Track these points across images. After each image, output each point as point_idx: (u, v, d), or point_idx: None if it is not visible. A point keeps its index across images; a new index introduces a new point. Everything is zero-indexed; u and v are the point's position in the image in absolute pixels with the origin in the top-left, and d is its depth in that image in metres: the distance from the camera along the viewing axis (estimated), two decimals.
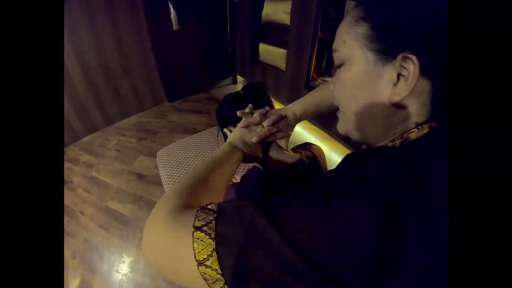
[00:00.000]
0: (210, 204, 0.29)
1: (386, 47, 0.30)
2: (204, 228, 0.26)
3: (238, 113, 0.56)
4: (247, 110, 0.56)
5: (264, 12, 2.54)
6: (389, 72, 0.30)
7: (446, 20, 0.26)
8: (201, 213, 0.28)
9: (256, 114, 0.55)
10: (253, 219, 0.25)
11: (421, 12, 0.28)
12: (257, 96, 0.64)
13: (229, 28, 3.18)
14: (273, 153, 0.60)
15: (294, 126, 0.62)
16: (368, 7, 0.32)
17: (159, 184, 1.89)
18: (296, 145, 0.75)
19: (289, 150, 0.66)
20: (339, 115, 0.41)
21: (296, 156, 0.65)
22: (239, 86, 3.44)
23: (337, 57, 0.36)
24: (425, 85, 0.30)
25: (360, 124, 0.37)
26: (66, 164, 2.24)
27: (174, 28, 2.77)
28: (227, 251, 0.24)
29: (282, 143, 0.64)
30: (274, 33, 2.62)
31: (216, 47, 3.25)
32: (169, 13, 2.66)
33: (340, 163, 0.37)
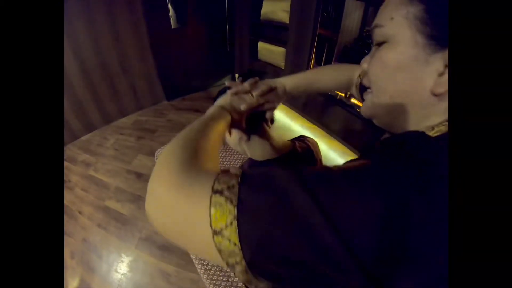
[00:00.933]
0: (233, 167, 0.26)
1: (439, 34, 0.28)
2: (226, 193, 0.22)
3: (227, 83, 0.55)
4: (236, 80, 0.55)
5: (263, 11, 2.53)
6: (437, 61, 0.29)
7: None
8: (223, 176, 0.24)
9: (246, 83, 0.54)
10: (288, 189, 0.21)
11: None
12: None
13: (228, 27, 3.16)
14: (256, 143, 0.59)
15: (282, 99, 0.60)
16: None
17: None
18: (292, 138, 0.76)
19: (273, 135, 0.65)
20: (367, 96, 0.39)
21: (287, 144, 0.65)
22: None
23: (379, 33, 0.34)
24: None
25: (393, 109, 0.34)
26: (64, 163, 2.23)
27: (173, 27, 2.76)
28: (251, 222, 0.21)
29: (267, 115, 0.62)
30: (273, 32, 2.61)
31: (214, 46, 3.24)
32: (168, 11, 2.64)
33: (380, 146, 0.34)
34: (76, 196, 1.89)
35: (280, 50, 2.47)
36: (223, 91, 0.66)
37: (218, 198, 0.22)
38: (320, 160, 0.75)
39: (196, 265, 0.98)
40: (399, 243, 0.20)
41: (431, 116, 0.31)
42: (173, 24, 2.74)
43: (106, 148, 2.39)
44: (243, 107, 0.49)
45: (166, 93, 3.12)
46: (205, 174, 0.25)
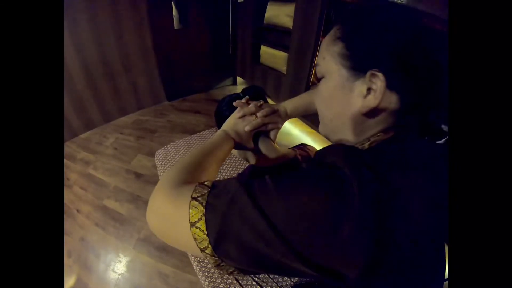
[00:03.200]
0: (207, 181, 0.35)
1: (358, 64, 0.35)
2: (199, 198, 0.31)
3: (234, 103, 0.60)
4: (243, 101, 0.61)
5: (266, 15, 2.55)
6: (360, 86, 0.35)
7: (413, 42, 0.32)
8: (199, 187, 0.33)
9: (252, 105, 0.60)
10: (236, 192, 0.30)
11: (390, 35, 0.33)
12: (255, 99, 0.67)
13: (231, 29, 3.18)
14: (263, 145, 0.63)
15: (284, 121, 0.67)
16: (344, 28, 0.37)
17: (156, 183, 1.88)
18: (293, 146, 0.78)
19: (277, 146, 0.70)
20: (320, 120, 0.47)
21: (290, 152, 0.70)
22: (239, 88, 3.45)
23: (318, 71, 0.41)
24: (393, 98, 0.34)
25: (335, 129, 0.43)
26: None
27: (176, 27, 2.77)
28: (212, 216, 0.29)
29: (272, 135, 0.67)
30: (276, 36, 2.63)
31: (217, 48, 3.25)
32: (172, 12, 2.66)
33: (314, 157, 0.41)
34: (75, 195, 1.88)
35: (283, 54, 2.49)
36: (227, 100, 0.68)
37: (194, 202, 0.31)
38: None
39: (195, 267, 0.98)
40: (325, 234, 0.26)
41: (365, 131, 0.38)
42: (176, 25, 2.76)
43: (105, 146, 2.38)
44: (247, 128, 0.56)
45: (167, 93, 3.13)
46: (189, 186, 0.34)
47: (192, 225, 0.30)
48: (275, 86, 2.69)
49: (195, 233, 0.30)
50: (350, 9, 0.39)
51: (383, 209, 0.26)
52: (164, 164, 1.50)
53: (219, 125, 0.70)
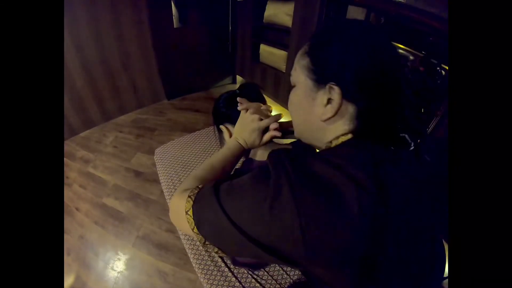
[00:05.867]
0: (201, 185, 0.45)
1: (320, 77, 0.40)
2: (191, 195, 0.43)
3: (238, 99, 0.64)
4: (243, 99, 0.66)
5: (266, 13, 2.55)
6: (321, 97, 0.40)
7: (370, 58, 0.36)
8: (194, 189, 0.44)
9: (255, 103, 0.65)
10: (210, 194, 0.40)
11: (349, 53, 0.37)
12: (252, 96, 0.68)
13: (230, 28, 3.17)
14: (267, 146, 0.67)
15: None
16: (311, 45, 0.42)
17: (156, 181, 1.89)
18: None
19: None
20: (293, 124, 0.52)
21: (286, 147, 0.71)
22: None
23: (291, 80, 0.47)
24: (350, 107, 0.39)
25: (303, 132, 0.50)
26: None
27: (175, 26, 2.76)
28: (195, 207, 0.41)
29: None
30: (276, 35, 2.63)
31: (216, 46, 3.24)
32: (171, 11, 2.65)
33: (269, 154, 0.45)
34: (74, 193, 1.88)
35: (282, 53, 2.48)
36: (224, 97, 0.69)
37: (188, 199, 0.43)
38: None
39: (194, 265, 0.98)
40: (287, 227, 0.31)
41: (326, 135, 0.43)
42: (175, 24, 2.75)
43: (105, 145, 2.38)
44: (255, 117, 0.61)
45: (166, 92, 3.12)
46: (192, 189, 0.45)
47: (186, 213, 0.42)
48: (274, 85, 2.69)
49: (187, 219, 0.41)
50: (320, 27, 0.45)
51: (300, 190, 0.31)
52: (163, 162, 1.50)
53: (216, 122, 0.71)
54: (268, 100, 0.73)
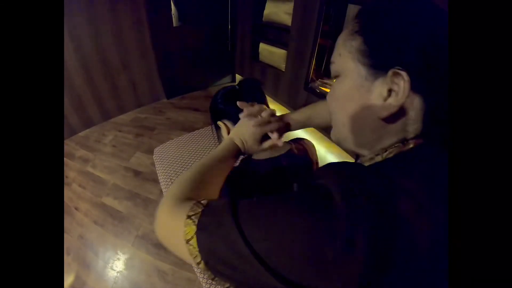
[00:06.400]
0: (204, 199, 0.35)
1: (378, 62, 0.30)
2: (193, 217, 0.32)
3: (238, 103, 0.59)
4: (244, 104, 0.60)
5: (265, 12, 2.54)
6: (380, 87, 0.31)
7: (443, 38, 0.27)
8: (195, 205, 0.34)
9: (256, 106, 0.60)
10: (223, 216, 0.30)
11: (417, 29, 0.28)
12: (252, 92, 0.66)
13: (229, 26, 3.16)
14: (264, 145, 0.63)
15: (288, 129, 0.67)
16: (363, 21, 0.32)
17: (155, 181, 1.88)
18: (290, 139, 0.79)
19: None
20: (332, 124, 0.42)
21: (286, 146, 0.71)
22: None
23: (333, 69, 0.37)
24: (417, 102, 0.30)
25: (349, 135, 0.37)
26: None
27: (174, 25, 2.75)
28: (202, 236, 0.30)
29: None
30: (275, 33, 2.62)
31: (216, 45, 3.24)
32: (170, 9, 2.64)
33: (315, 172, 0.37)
34: (73, 192, 1.88)
35: (281, 52, 2.48)
36: (222, 93, 0.67)
37: (188, 221, 0.32)
38: (316, 162, 0.79)
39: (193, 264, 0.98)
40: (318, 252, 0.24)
41: (382, 139, 0.34)
42: (174, 22, 2.74)
43: (104, 144, 2.38)
44: (253, 124, 0.55)
45: (165, 91, 3.11)
46: (188, 204, 0.35)
47: (187, 242, 0.31)
48: (273, 84, 2.68)
49: (189, 249, 0.31)
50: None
51: (382, 239, 0.23)
52: (162, 161, 1.50)
53: (213, 118, 0.70)
54: (268, 99, 0.71)
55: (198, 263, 0.30)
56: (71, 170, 2.08)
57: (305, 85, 2.25)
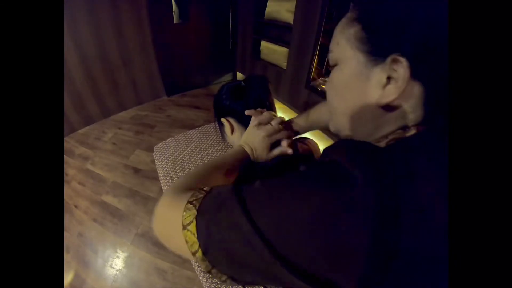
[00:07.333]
0: (207, 187, 0.35)
1: (377, 48, 0.30)
2: (194, 202, 0.32)
3: (246, 112, 0.58)
4: (252, 112, 0.59)
5: (267, 10, 2.52)
6: (379, 74, 0.30)
7: (444, 24, 0.26)
8: (197, 192, 0.34)
9: (266, 113, 0.58)
10: (226, 197, 0.29)
11: (416, 15, 0.27)
12: (258, 89, 0.64)
13: (231, 24, 3.14)
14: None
15: (297, 134, 0.68)
16: (362, 8, 0.32)
17: (155, 178, 1.88)
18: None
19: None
20: (330, 113, 0.42)
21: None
22: None
23: (331, 58, 0.37)
24: (417, 89, 0.29)
25: (348, 124, 0.37)
26: None
27: (175, 22, 2.74)
28: (203, 219, 0.29)
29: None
30: (277, 32, 2.61)
31: (217, 43, 3.23)
32: (171, 7, 2.62)
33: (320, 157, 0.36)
34: (73, 190, 1.87)
35: (283, 50, 2.47)
36: (227, 88, 0.65)
37: (188, 206, 0.31)
38: None
39: (193, 263, 0.98)
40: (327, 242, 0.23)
41: (382, 127, 0.33)
42: (175, 20, 2.72)
43: (104, 142, 2.37)
44: (263, 134, 0.55)
45: (166, 88, 3.11)
46: (188, 193, 0.34)
47: (184, 227, 0.30)
48: (275, 82, 2.67)
49: (186, 236, 0.30)
50: None
51: (387, 221, 0.22)
52: (162, 159, 1.49)
53: (217, 114, 0.68)
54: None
55: (194, 253, 0.29)
56: (71, 168, 2.07)
57: (306, 84, 2.24)
